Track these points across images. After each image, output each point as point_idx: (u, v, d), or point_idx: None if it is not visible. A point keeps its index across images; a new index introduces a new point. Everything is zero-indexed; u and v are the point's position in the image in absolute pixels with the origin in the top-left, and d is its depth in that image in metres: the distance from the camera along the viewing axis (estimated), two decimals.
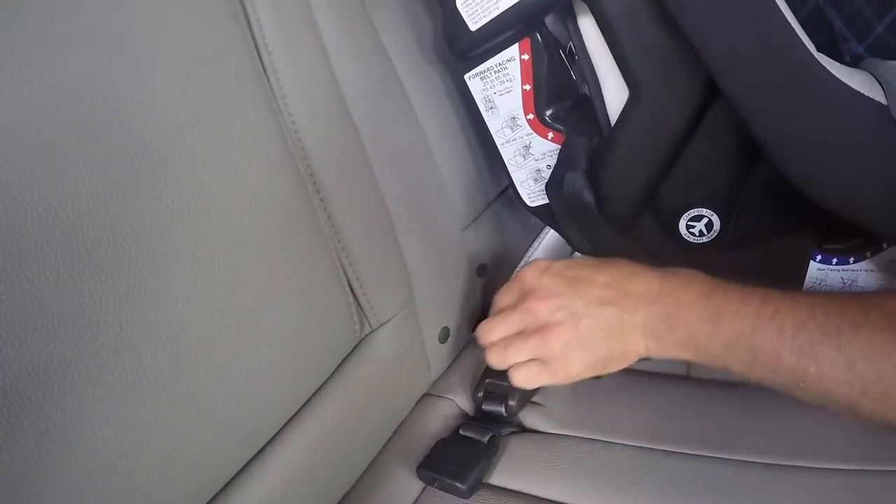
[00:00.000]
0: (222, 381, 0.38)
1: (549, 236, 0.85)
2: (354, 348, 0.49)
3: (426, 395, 0.62)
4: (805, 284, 0.56)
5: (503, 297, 0.51)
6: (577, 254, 0.89)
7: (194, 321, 0.35)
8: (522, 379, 0.47)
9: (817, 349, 0.37)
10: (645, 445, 0.53)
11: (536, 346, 0.46)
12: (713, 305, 0.41)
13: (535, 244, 0.83)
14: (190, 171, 0.35)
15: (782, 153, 0.46)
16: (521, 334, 0.47)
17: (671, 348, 0.43)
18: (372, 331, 0.51)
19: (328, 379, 0.48)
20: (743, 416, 0.54)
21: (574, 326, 0.45)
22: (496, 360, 0.48)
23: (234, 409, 0.39)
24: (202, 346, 0.36)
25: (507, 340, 0.48)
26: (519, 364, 0.47)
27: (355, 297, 0.48)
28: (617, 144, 0.56)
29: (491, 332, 0.49)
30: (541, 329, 0.46)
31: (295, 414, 0.46)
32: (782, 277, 0.57)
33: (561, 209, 0.60)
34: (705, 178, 0.56)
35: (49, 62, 0.29)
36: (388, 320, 0.51)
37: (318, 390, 0.47)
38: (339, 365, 0.49)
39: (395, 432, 0.58)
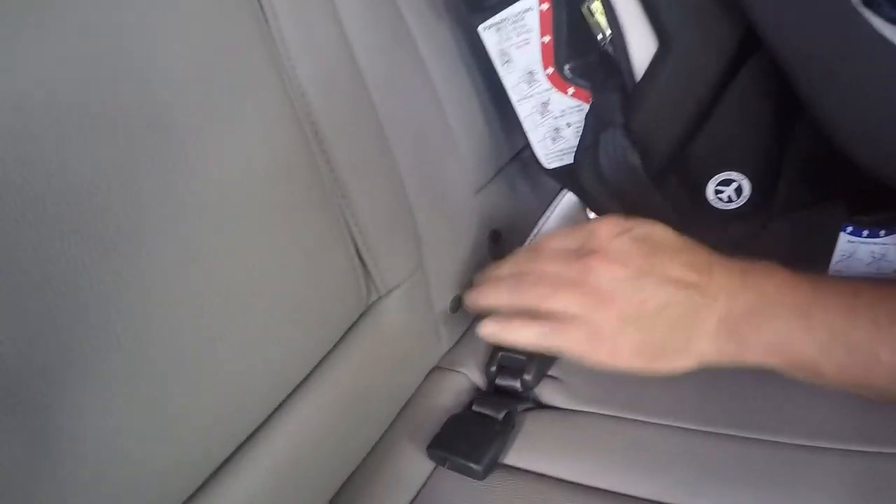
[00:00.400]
0: (224, 349, 0.35)
1: (566, 201, 0.81)
2: (361, 316, 0.46)
3: (436, 369, 0.59)
4: (833, 258, 0.53)
5: (560, 240, 0.44)
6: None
7: (192, 289, 0.32)
8: (560, 336, 0.40)
9: None
10: (674, 424, 0.49)
11: (589, 308, 0.39)
12: (802, 297, 0.36)
13: (551, 209, 0.79)
14: (189, 127, 0.31)
15: (826, 111, 0.42)
16: (574, 286, 0.40)
17: (755, 351, 0.37)
18: (379, 298, 0.47)
19: (333, 348, 0.45)
20: (781, 391, 0.50)
21: (639, 302, 0.38)
22: (532, 296, 0.41)
23: (236, 378, 0.36)
24: (200, 315, 0.33)
25: (556, 284, 0.40)
26: (560, 317, 0.40)
27: (362, 260, 0.44)
28: (642, 101, 0.51)
29: (535, 262, 0.42)
30: (598, 294, 0.39)
31: (300, 383, 0.43)
32: (811, 249, 0.54)
33: (593, 175, 0.56)
34: (736, 139, 0.52)
35: (63, 37, 0.26)
36: (396, 286, 0.48)
37: (322, 359, 0.44)
38: (345, 333, 0.45)
39: (403, 408, 0.55)
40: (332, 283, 0.41)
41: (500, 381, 0.55)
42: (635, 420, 0.51)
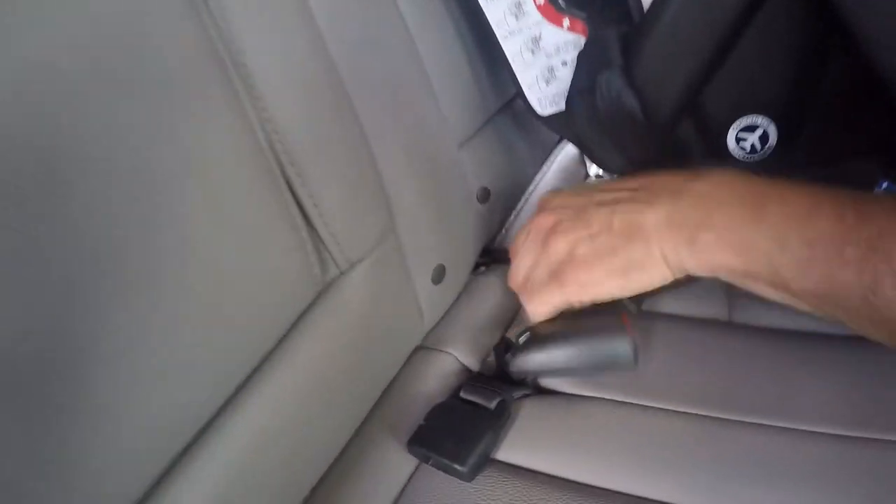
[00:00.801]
0: (167, 337, 0.30)
1: (564, 153, 0.73)
2: (319, 296, 0.39)
3: (420, 349, 0.52)
4: None
5: (520, 249, 0.45)
6: (593, 174, 0.77)
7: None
8: (539, 299, 0.43)
9: (889, 242, 0.28)
10: (688, 410, 0.43)
11: (551, 261, 0.42)
12: (756, 194, 0.34)
13: (548, 163, 0.71)
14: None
15: (879, 45, 0.36)
16: (538, 256, 0.43)
17: (709, 251, 0.35)
18: (342, 273, 0.40)
19: (289, 332, 0.38)
20: (799, 370, 0.44)
21: (585, 229, 0.40)
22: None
23: (186, 367, 0.31)
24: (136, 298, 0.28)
25: (526, 264, 0.44)
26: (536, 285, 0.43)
27: (314, 231, 0.37)
28: (651, 32, 0.44)
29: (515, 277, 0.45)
30: (552, 245, 0.42)
31: (253, 372, 0.36)
32: None
33: (589, 122, 0.48)
34: (762, 78, 0.45)
35: None
36: (362, 259, 0.40)
37: (277, 346, 0.37)
38: (302, 315, 0.38)
39: (383, 395, 0.48)
40: (278, 262, 0.34)
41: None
42: (648, 407, 0.44)
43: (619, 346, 0.41)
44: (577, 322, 0.44)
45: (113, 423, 0.28)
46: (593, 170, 0.78)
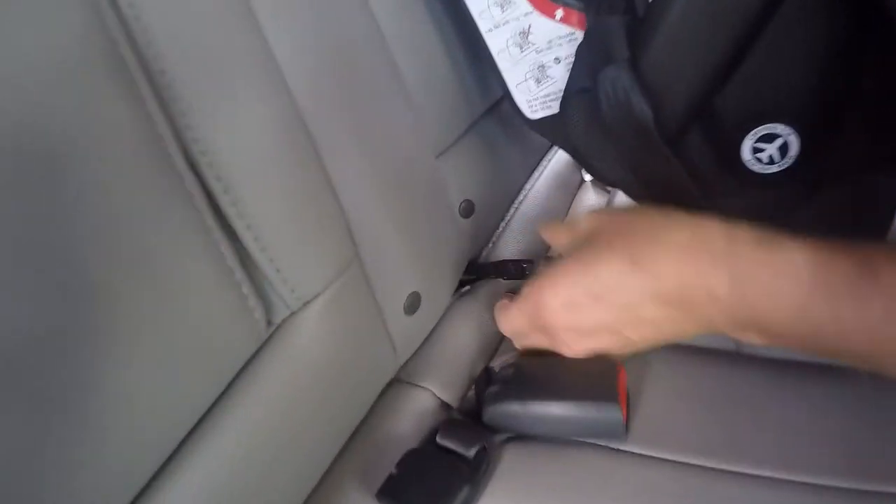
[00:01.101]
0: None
1: (557, 157, 0.67)
2: (266, 342, 0.33)
3: (394, 382, 0.46)
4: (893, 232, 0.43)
5: (509, 316, 0.44)
6: (588, 179, 0.71)
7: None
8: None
9: None
10: (687, 461, 0.38)
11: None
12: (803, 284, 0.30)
13: (539, 168, 0.65)
14: None
15: None
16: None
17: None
18: (293, 314, 0.34)
19: (229, 388, 0.32)
20: (806, 410, 0.39)
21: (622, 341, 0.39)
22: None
23: (126, 423, 0.27)
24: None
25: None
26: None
27: (255, 268, 0.31)
28: (660, 23, 0.38)
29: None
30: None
31: (189, 434, 0.31)
32: (865, 223, 0.44)
33: (587, 128, 0.42)
34: (785, 80, 0.39)
35: None
36: (317, 295, 0.34)
37: (216, 403, 0.32)
38: (245, 367, 0.32)
39: (350, 439, 0.42)
40: (206, 308, 0.28)
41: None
42: (643, 455, 0.38)
43: (609, 416, 0.37)
44: (566, 368, 0.39)
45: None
46: (588, 175, 0.72)
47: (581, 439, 0.40)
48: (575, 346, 0.40)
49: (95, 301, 0.24)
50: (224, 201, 0.28)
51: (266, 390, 0.33)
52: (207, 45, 0.27)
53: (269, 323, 0.32)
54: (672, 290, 0.34)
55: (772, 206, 0.44)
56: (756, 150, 0.41)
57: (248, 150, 0.28)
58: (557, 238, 0.45)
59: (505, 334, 0.46)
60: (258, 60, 0.30)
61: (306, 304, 0.34)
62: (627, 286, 0.36)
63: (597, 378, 0.39)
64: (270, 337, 0.33)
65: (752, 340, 0.34)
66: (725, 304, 0.33)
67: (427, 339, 0.48)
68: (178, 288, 0.26)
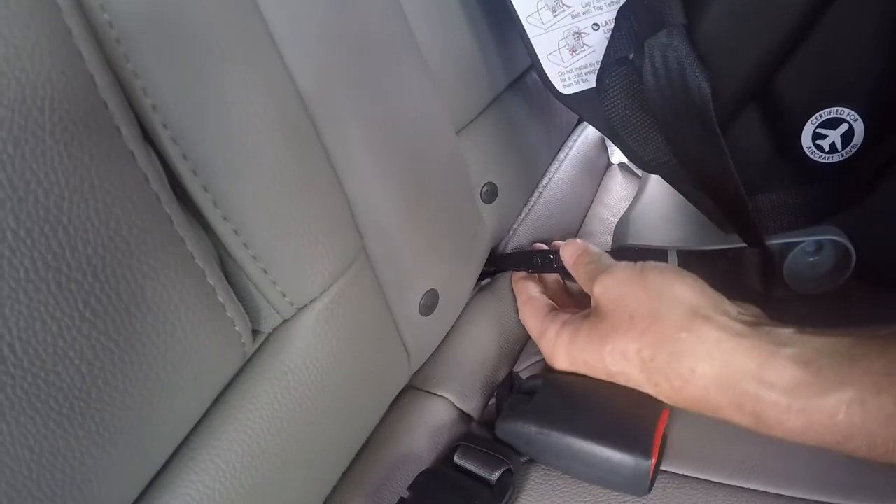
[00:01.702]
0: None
1: (584, 136, 0.61)
2: (256, 353, 0.28)
3: (409, 389, 0.41)
4: None
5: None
6: (616, 161, 0.66)
7: None
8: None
9: None
10: (728, 482, 0.33)
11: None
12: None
13: (565, 149, 0.59)
14: None
15: None
16: None
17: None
18: (286, 321, 0.29)
19: (215, 405, 0.28)
20: None
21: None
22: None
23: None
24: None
25: None
26: None
27: (229, 274, 0.25)
28: None
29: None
30: None
31: (176, 452, 0.27)
32: None
33: (629, 105, 0.37)
34: (855, 57, 0.34)
35: None
36: (315, 299, 0.29)
37: (202, 421, 0.27)
38: (233, 381, 0.28)
39: (358, 453, 0.38)
40: (176, 321, 0.23)
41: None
42: (680, 475, 0.34)
43: (634, 470, 0.32)
44: (601, 397, 0.34)
45: None
46: (616, 157, 0.66)
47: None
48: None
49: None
50: (193, 185, 0.23)
51: (254, 412, 0.28)
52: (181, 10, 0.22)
53: (256, 333, 0.27)
54: (694, 407, 0.32)
55: (826, 201, 0.39)
56: (817, 137, 0.36)
57: (225, 127, 0.23)
58: (577, 266, 0.40)
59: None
60: (247, 35, 0.24)
61: (302, 309, 0.28)
62: (644, 386, 0.34)
63: (634, 419, 0.33)
64: (258, 350, 0.28)
65: None
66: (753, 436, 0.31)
67: (443, 341, 0.43)
68: (131, 291, 0.21)
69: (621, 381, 0.34)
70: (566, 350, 0.37)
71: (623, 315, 0.34)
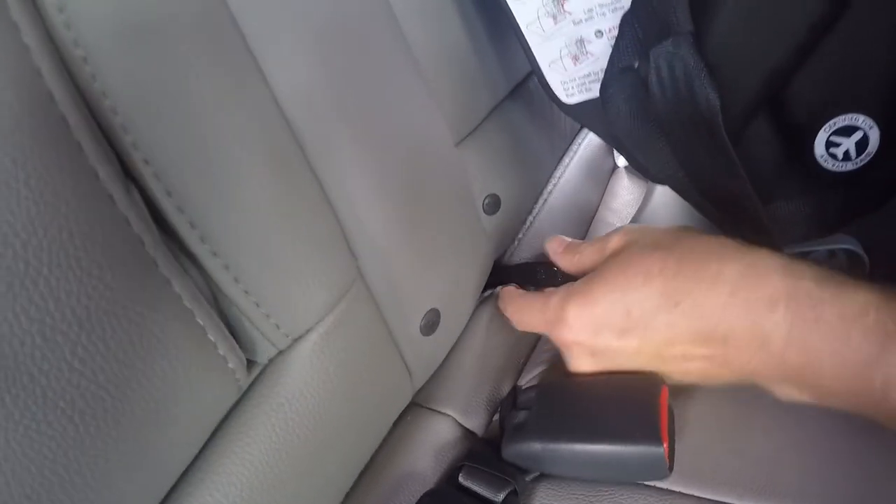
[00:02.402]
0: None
1: (585, 145, 0.60)
2: (250, 389, 0.27)
3: (412, 406, 0.40)
4: None
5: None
6: (622, 165, 0.65)
7: None
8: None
9: None
10: (735, 502, 0.33)
11: None
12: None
13: (567, 158, 0.58)
14: None
15: None
16: None
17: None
18: (281, 352, 0.28)
19: (212, 440, 0.27)
20: (870, 454, 0.34)
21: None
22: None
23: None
24: None
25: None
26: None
27: (221, 309, 0.25)
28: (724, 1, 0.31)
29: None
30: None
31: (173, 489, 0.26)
32: None
33: (633, 115, 0.36)
34: (871, 62, 0.33)
35: None
36: (310, 329, 0.28)
37: (191, 468, 0.27)
38: (228, 416, 0.27)
39: (360, 475, 0.37)
40: (167, 360, 0.22)
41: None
42: (693, 496, 0.33)
43: (650, 457, 0.31)
44: (597, 393, 0.33)
45: None
46: (622, 160, 0.65)
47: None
48: (586, 369, 0.36)
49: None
50: (179, 221, 0.22)
51: (252, 444, 0.27)
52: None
53: (252, 363, 0.26)
54: (716, 333, 0.30)
55: (838, 211, 0.38)
56: (830, 145, 0.35)
57: (208, 161, 0.22)
58: (576, 261, 0.39)
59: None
60: (230, 65, 0.23)
61: (297, 339, 0.28)
62: (663, 324, 0.32)
63: (635, 408, 0.33)
64: (255, 382, 0.27)
65: (792, 396, 0.30)
66: (777, 351, 0.29)
67: (446, 356, 0.42)
68: (118, 338, 0.20)
69: (637, 312, 0.32)
70: (577, 307, 0.35)
71: (646, 242, 0.34)
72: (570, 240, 0.41)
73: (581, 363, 0.36)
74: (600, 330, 0.34)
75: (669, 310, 0.31)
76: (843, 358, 0.27)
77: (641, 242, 0.35)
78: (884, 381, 0.26)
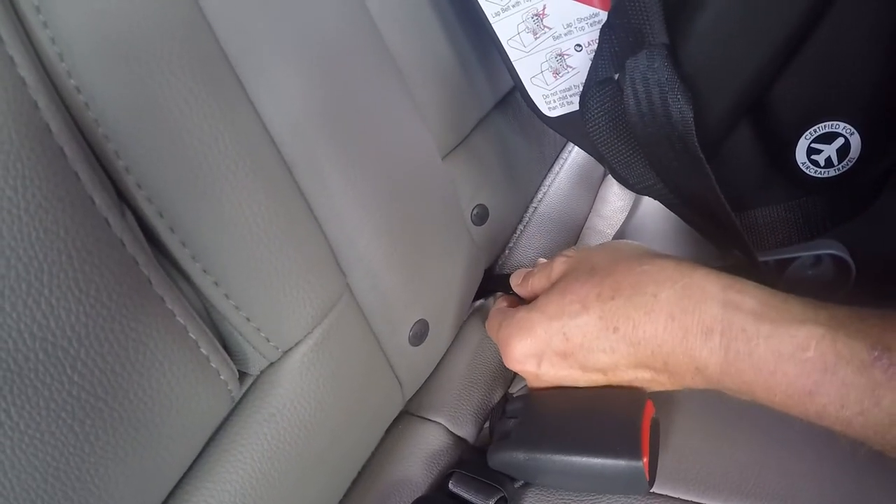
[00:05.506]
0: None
1: (576, 153, 0.62)
2: (242, 400, 0.28)
3: (404, 415, 0.41)
4: None
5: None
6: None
7: None
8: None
9: None
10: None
11: None
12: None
13: (557, 166, 0.59)
14: None
15: None
16: None
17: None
18: (272, 364, 0.29)
19: (204, 452, 0.28)
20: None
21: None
22: None
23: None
24: None
25: None
26: None
27: (213, 323, 0.26)
28: (704, 6, 0.32)
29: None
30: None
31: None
32: None
33: (611, 127, 0.37)
34: (851, 69, 0.33)
35: None
36: (300, 341, 0.30)
37: (186, 478, 0.28)
38: (220, 428, 0.28)
39: (353, 482, 0.38)
40: (160, 373, 0.23)
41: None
42: (678, 499, 0.34)
43: (629, 473, 0.32)
44: (582, 406, 0.34)
45: None
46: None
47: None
48: (540, 386, 0.37)
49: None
50: (171, 241, 0.23)
51: (245, 454, 0.29)
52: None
53: (244, 375, 0.28)
54: (656, 358, 0.31)
55: (822, 216, 0.38)
56: (812, 152, 0.35)
57: (198, 182, 0.23)
58: (528, 289, 0.40)
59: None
60: (216, 87, 0.24)
61: (288, 351, 0.29)
62: (601, 349, 0.33)
63: (617, 421, 0.33)
64: (247, 393, 0.28)
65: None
66: (714, 377, 0.29)
67: (437, 365, 0.43)
68: (115, 353, 0.22)
69: (577, 338, 0.33)
70: (517, 339, 0.35)
71: (584, 269, 0.35)
72: (528, 270, 0.42)
73: (535, 384, 0.38)
74: (542, 359, 0.35)
75: (608, 335, 0.32)
76: (775, 392, 0.27)
77: (580, 269, 0.35)
78: (817, 412, 0.27)
